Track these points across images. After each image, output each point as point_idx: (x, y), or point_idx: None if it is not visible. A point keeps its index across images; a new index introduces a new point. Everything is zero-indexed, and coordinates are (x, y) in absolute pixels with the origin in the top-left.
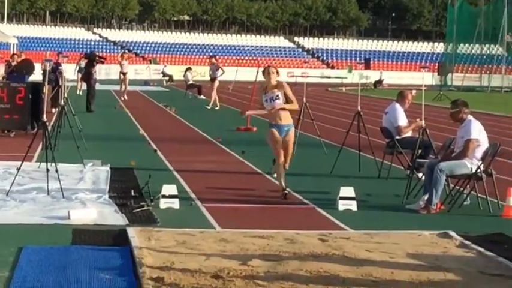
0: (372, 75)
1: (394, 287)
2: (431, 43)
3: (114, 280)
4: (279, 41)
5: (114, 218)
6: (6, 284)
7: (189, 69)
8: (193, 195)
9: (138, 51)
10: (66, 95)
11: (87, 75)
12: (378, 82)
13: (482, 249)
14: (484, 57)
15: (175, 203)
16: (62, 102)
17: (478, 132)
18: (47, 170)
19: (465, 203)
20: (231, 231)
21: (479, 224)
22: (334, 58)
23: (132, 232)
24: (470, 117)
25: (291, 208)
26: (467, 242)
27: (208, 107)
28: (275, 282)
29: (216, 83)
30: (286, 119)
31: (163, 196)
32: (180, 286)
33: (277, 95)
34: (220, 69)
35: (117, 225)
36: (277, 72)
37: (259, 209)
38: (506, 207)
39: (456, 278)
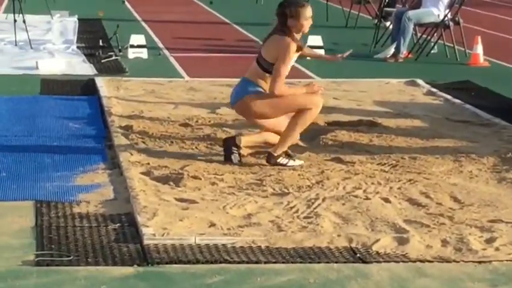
0: None
1: (362, 132)
2: None
3: (84, 129)
4: None
5: (82, 68)
6: None
7: None
8: (161, 45)
9: None
10: None
11: None
12: None
13: (449, 97)
14: None
15: (143, 53)
16: None
17: None
18: (15, 20)
19: (432, 51)
20: (199, 80)
21: (447, 72)
22: None
23: (101, 81)
24: None
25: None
26: (434, 89)
27: None
28: (243, 130)
29: None
30: None
31: (132, 46)
32: (149, 134)
33: None
34: None
35: (86, 75)
36: None
37: (227, 59)
38: (473, 55)
39: (423, 125)
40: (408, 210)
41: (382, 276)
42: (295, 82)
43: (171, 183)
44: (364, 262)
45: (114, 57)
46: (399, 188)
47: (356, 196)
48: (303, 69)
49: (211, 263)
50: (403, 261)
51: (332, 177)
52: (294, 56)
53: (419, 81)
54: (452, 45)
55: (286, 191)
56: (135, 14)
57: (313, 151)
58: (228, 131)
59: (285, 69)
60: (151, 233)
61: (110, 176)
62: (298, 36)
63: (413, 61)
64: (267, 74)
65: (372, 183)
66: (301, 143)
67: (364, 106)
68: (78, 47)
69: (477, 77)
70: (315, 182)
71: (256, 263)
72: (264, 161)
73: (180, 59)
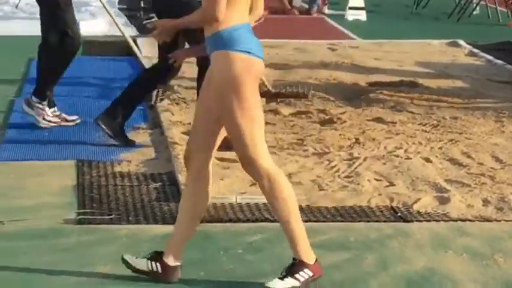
0: None
1: (403, 92)
2: None
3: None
4: None
5: (123, 29)
6: (18, 93)
7: None
8: None
9: None
10: None
11: None
12: None
13: (490, 57)
14: None
15: None
16: None
17: None
18: None
19: (474, 12)
20: None
21: (488, 32)
22: None
23: (142, 41)
24: None
25: (301, 18)
26: (476, 50)
27: None
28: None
29: None
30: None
31: None
32: (190, 94)
33: None
34: None
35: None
36: None
37: (267, 20)
38: None
39: (465, 85)
40: (449, 170)
41: (423, 235)
42: (335, 42)
43: None
44: (405, 221)
45: (154, 19)
46: (440, 148)
47: (397, 156)
48: (345, 30)
49: (252, 221)
50: (444, 221)
51: (373, 137)
52: None
53: (461, 42)
54: (494, 6)
55: (327, 150)
56: None
57: (354, 111)
58: (270, 89)
59: None
60: None
61: (151, 136)
62: None
63: (455, 22)
64: None
65: (413, 143)
66: None
67: (406, 67)
68: (119, 9)
69: None
70: (356, 141)
71: None
72: (305, 121)
73: None
